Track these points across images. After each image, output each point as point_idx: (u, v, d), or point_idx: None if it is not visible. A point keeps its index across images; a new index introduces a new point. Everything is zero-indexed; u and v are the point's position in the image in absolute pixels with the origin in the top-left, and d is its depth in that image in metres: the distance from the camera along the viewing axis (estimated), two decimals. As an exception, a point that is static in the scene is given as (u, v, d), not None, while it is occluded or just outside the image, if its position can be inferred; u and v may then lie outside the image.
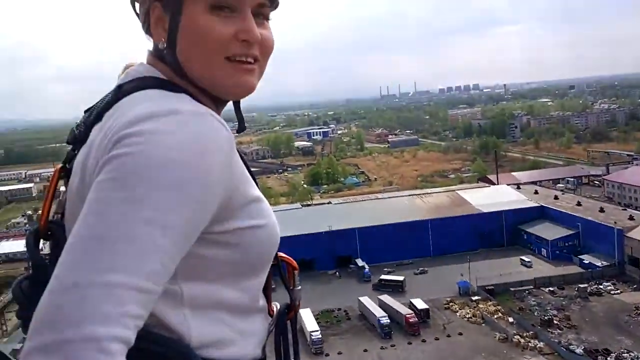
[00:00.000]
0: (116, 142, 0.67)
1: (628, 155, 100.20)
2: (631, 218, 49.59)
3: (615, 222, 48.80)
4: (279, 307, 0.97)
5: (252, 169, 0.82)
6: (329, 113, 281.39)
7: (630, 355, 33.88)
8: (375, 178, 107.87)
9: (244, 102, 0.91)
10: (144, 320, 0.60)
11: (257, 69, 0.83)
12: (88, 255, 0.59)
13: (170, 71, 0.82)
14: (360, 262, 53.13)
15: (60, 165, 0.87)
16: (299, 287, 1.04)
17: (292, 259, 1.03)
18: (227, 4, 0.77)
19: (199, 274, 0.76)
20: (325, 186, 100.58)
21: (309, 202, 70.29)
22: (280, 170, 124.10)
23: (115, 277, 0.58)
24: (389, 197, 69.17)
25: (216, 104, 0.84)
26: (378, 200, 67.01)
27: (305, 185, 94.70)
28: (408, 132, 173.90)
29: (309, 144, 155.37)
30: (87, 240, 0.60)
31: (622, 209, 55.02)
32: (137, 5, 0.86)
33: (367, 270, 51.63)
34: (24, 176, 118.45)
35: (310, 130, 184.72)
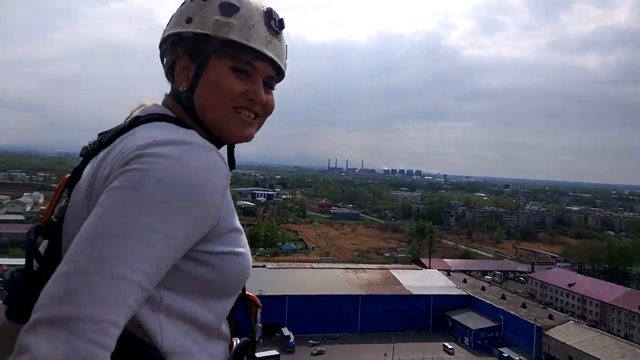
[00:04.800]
0: (134, 158, 0.77)
1: (552, 256, 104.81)
2: (550, 317, 51.58)
3: (535, 319, 50.54)
4: (238, 341, 1.04)
5: None
6: (276, 177, 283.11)
7: None
8: (313, 247, 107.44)
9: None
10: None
11: (256, 124, 1.03)
12: (99, 247, 0.67)
13: (184, 112, 0.99)
14: (286, 332, 51.54)
15: (68, 175, 0.97)
16: (260, 325, 1.13)
17: (256, 297, 1.12)
18: (244, 69, 0.97)
19: (178, 285, 0.83)
20: (261, 249, 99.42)
21: (242, 263, 68.67)
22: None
23: (120, 270, 0.66)
24: (324, 268, 68.77)
25: (215, 144, 0.96)
26: (313, 270, 66.35)
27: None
28: (350, 206, 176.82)
29: (251, 204, 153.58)
30: (100, 234, 0.69)
31: (543, 307, 57.30)
32: (165, 58, 1.04)
33: (292, 340, 50.09)
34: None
35: (255, 191, 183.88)
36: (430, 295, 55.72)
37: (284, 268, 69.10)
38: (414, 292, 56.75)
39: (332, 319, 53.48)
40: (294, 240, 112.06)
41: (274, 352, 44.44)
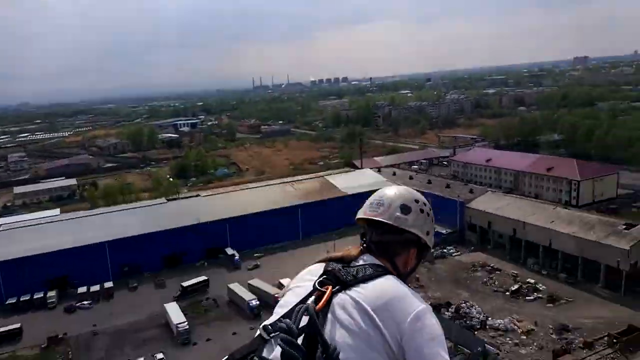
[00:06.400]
0: (419, 318, 1.49)
1: (472, 138, 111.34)
2: (471, 192, 56.03)
3: (458, 195, 54.81)
4: None
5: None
6: (198, 104, 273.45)
7: (466, 304, 39.30)
8: (246, 168, 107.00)
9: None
10: None
11: None
12: None
13: (390, 267, 1.76)
14: (230, 251, 53.07)
15: (330, 288, 1.55)
16: None
17: None
18: None
19: None
20: (193, 179, 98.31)
21: (175, 197, 68.09)
22: (143, 165, 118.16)
23: None
24: (260, 186, 69.55)
25: None
26: (249, 190, 66.97)
27: (171, 179, 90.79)
28: (281, 123, 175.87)
29: (175, 135, 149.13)
30: None
31: (464, 185, 61.97)
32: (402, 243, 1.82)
33: (237, 258, 51.85)
34: None
35: (176, 122, 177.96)
36: (364, 192, 57.92)
37: (219, 194, 69.39)
38: (349, 192, 59.09)
39: (275, 232, 55.14)
40: (226, 165, 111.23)
41: (204, 278, 47.21)
